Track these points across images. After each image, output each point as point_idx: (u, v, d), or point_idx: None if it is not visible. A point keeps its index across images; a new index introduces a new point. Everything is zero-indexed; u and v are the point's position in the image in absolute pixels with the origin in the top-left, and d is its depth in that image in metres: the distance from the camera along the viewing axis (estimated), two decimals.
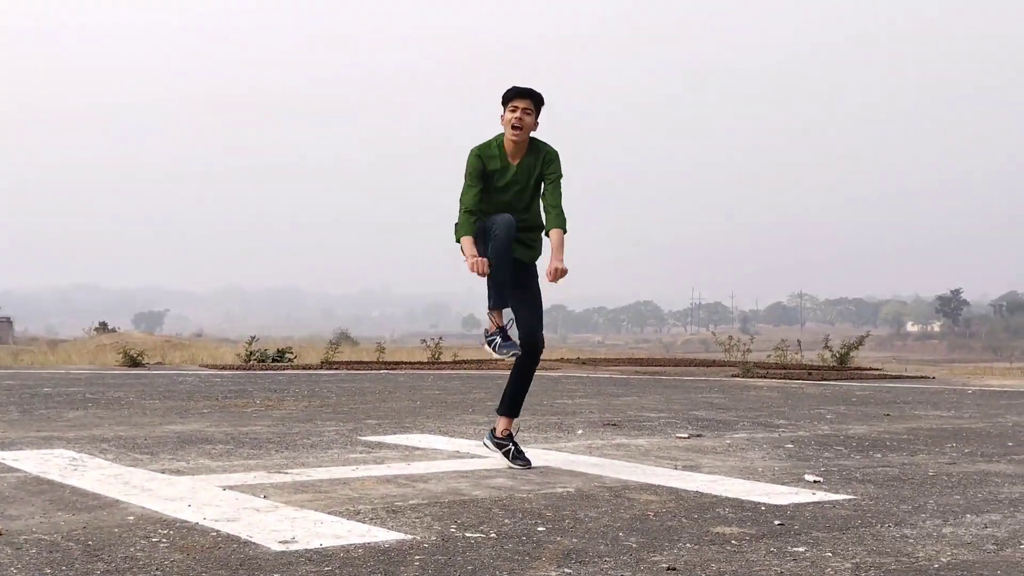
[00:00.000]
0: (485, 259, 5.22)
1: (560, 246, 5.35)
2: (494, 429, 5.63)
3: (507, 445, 5.52)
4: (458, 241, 5.39)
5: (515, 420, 5.66)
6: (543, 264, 5.47)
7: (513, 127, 5.36)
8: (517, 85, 5.44)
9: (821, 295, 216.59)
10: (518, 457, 5.48)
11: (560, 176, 5.47)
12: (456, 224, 5.42)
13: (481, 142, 5.48)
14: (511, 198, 5.42)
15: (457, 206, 5.43)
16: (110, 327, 43.31)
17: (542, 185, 5.47)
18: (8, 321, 76.02)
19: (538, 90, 5.43)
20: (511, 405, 5.59)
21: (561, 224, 5.39)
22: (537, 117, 5.44)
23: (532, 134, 5.47)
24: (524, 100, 5.37)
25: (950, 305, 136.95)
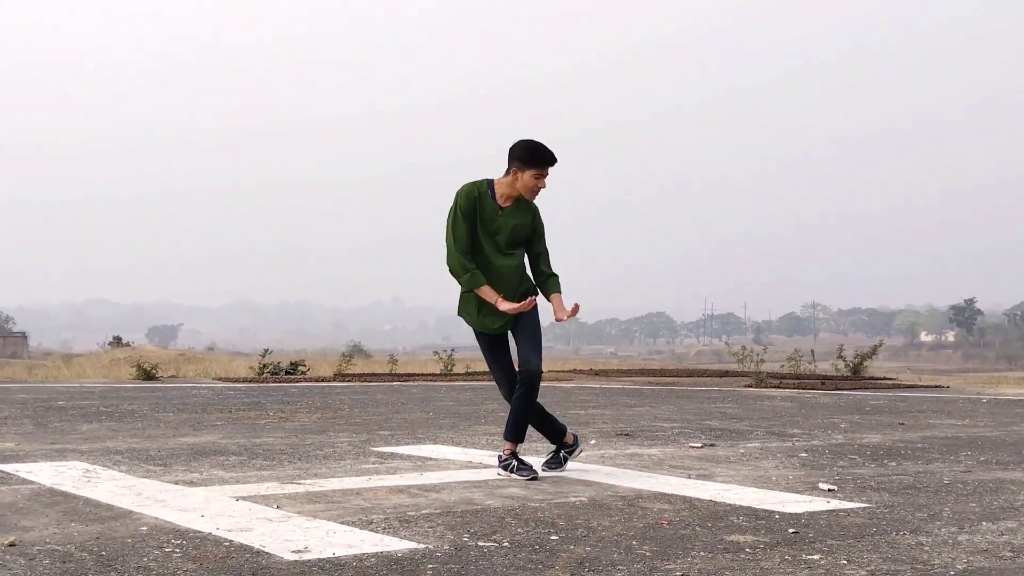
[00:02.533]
0: (531, 296, 5.37)
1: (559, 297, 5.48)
2: (502, 458, 5.56)
3: (510, 462, 5.47)
4: (469, 291, 5.38)
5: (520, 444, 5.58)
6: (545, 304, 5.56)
7: (533, 193, 5.34)
8: (545, 149, 5.31)
9: (834, 305, 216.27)
10: (521, 468, 5.43)
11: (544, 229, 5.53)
12: (458, 275, 5.37)
13: (469, 183, 5.42)
14: (501, 240, 5.36)
15: (447, 245, 5.39)
16: (124, 341, 43.38)
17: (531, 240, 5.48)
18: (23, 336, 76.41)
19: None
20: (515, 431, 5.49)
21: (560, 289, 5.51)
22: None
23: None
24: (547, 168, 5.32)
25: (964, 315, 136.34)
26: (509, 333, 5.54)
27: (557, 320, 5.44)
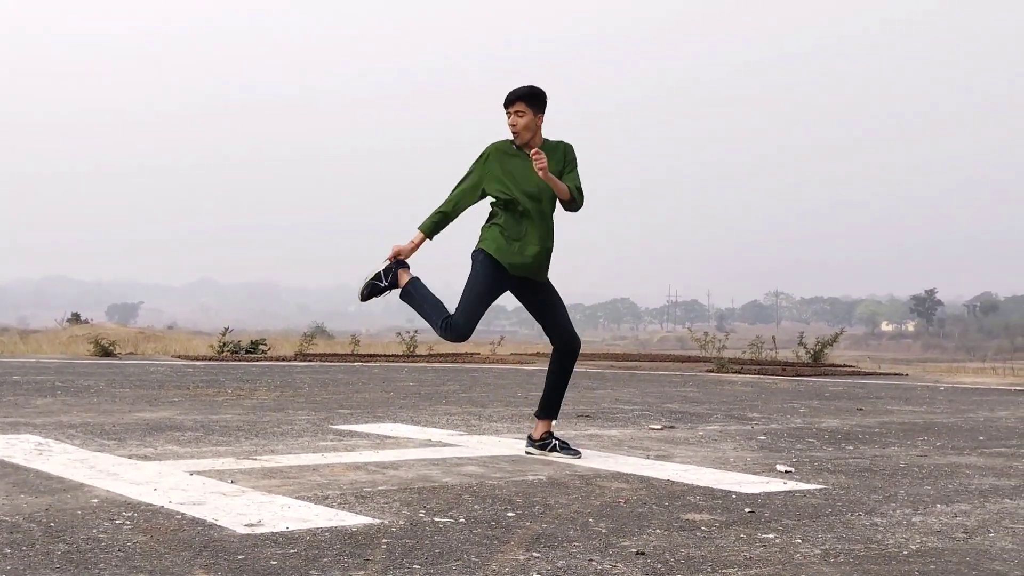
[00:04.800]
0: (403, 252, 5.35)
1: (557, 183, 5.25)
2: (531, 437, 5.54)
3: (550, 442, 5.45)
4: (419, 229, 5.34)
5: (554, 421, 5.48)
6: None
7: (513, 134, 5.32)
8: (512, 90, 5.34)
9: (797, 294, 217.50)
10: (565, 447, 5.43)
11: (576, 166, 5.42)
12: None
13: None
14: (536, 187, 5.28)
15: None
16: (83, 319, 42.85)
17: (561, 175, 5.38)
18: None
19: (529, 86, 5.32)
20: (550, 407, 5.47)
21: (576, 191, 5.33)
22: (537, 112, 5.32)
23: (545, 134, 5.39)
24: (512, 104, 5.31)
25: (924, 305, 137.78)
26: (516, 300, 5.44)
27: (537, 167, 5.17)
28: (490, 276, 5.30)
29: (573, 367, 5.50)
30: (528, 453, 5.50)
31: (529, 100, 5.32)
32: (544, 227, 5.34)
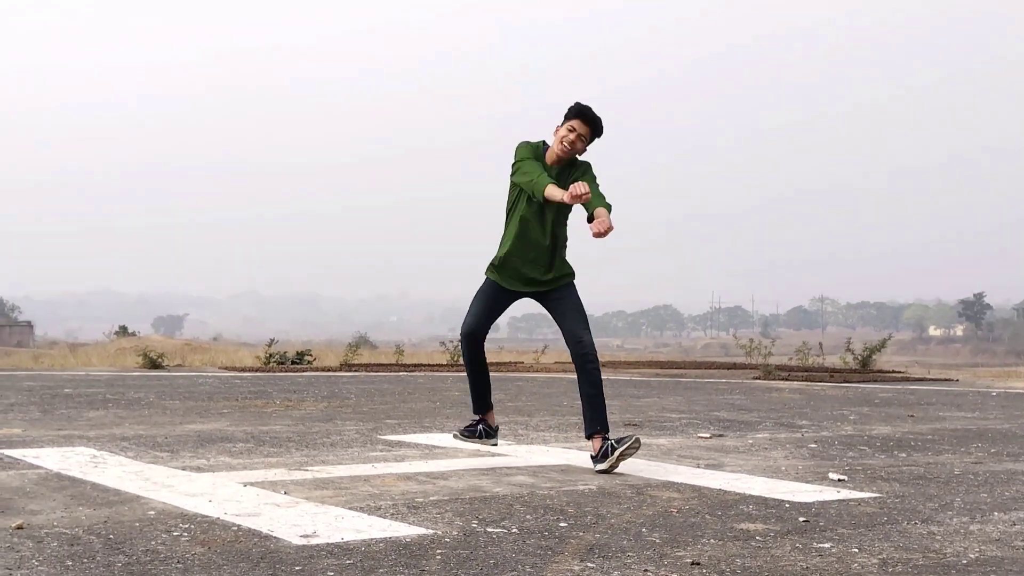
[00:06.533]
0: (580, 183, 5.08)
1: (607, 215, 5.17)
2: (592, 456, 5.31)
3: (605, 445, 5.23)
4: (540, 196, 5.13)
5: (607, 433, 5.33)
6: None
7: (563, 145, 5.28)
8: (585, 106, 5.30)
9: (842, 299, 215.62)
10: (623, 441, 5.19)
11: (596, 180, 5.40)
12: (531, 184, 5.17)
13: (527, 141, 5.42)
14: (548, 207, 5.30)
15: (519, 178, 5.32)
16: (130, 331, 43.43)
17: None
18: (29, 325, 76.57)
19: (602, 121, 5.32)
20: (593, 422, 5.29)
21: (605, 205, 5.22)
22: (587, 146, 5.35)
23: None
24: (585, 127, 5.28)
25: (973, 309, 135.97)
26: (530, 303, 5.53)
27: (594, 233, 5.08)
28: (493, 291, 5.51)
29: (597, 376, 5.28)
30: (601, 472, 5.23)
31: (594, 132, 5.33)
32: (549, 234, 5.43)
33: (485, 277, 5.56)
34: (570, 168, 5.39)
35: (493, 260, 5.51)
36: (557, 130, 5.35)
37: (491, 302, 5.51)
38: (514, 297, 5.51)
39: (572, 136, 5.27)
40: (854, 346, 19.98)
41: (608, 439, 5.27)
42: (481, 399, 5.69)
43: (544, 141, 5.43)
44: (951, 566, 3.29)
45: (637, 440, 5.21)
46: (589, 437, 5.32)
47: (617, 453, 5.18)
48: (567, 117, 5.31)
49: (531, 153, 5.34)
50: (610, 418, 8.33)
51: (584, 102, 5.33)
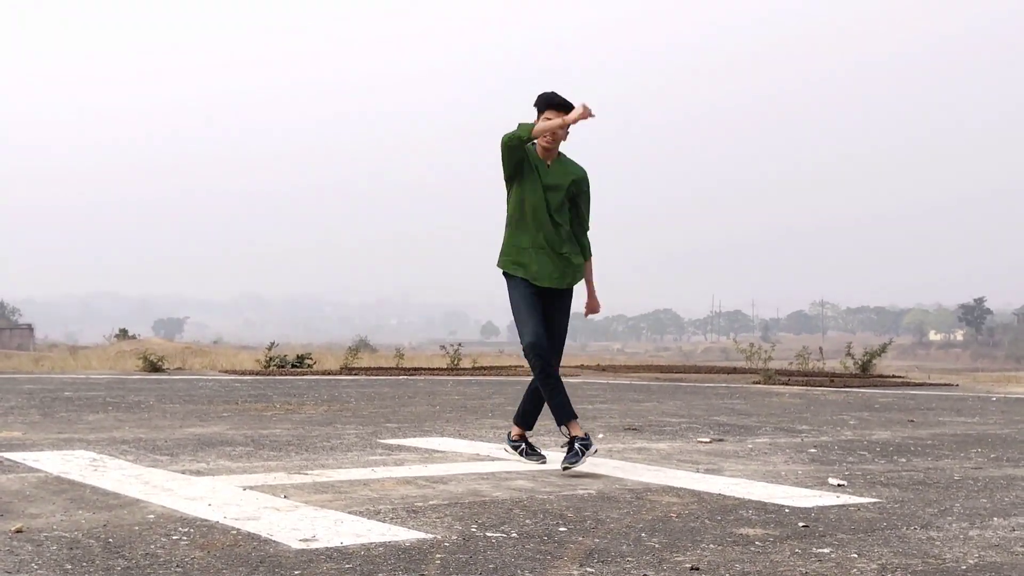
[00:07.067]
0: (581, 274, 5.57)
1: (592, 278, 5.66)
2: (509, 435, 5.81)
3: (520, 444, 5.72)
4: (527, 136, 5.30)
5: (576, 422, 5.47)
6: (579, 292, 5.61)
7: (547, 137, 5.35)
8: (551, 93, 5.37)
9: (842, 303, 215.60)
10: (531, 453, 5.67)
11: (590, 202, 5.55)
12: (511, 136, 5.32)
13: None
14: (550, 197, 5.38)
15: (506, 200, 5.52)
16: (130, 334, 43.41)
17: (572, 204, 5.53)
18: (29, 328, 76.56)
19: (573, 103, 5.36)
20: (554, 415, 5.47)
21: (589, 256, 5.63)
22: (566, 131, 5.40)
23: (574, 145, 5.50)
24: (559, 114, 5.32)
25: (973, 314, 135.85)
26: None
27: (586, 314, 5.65)
28: (530, 292, 5.54)
29: (544, 383, 5.41)
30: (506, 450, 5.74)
31: (568, 113, 5.35)
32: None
33: (513, 279, 5.49)
34: (565, 172, 5.45)
35: (512, 257, 5.48)
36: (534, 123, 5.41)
37: (538, 304, 5.48)
38: (543, 293, 5.53)
39: (549, 125, 5.32)
40: (854, 351, 19.96)
41: (527, 440, 5.74)
42: (562, 408, 5.42)
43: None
44: (950, 572, 3.29)
45: (543, 460, 5.61)
46: (561, 424, 5.46)
47: (516, 453, 5.66)
48: (540, 110, 5.38)
49: (515, 146, 5.39)
50: (611, 422, 8.36)
51: (545, 91, 5.41)
